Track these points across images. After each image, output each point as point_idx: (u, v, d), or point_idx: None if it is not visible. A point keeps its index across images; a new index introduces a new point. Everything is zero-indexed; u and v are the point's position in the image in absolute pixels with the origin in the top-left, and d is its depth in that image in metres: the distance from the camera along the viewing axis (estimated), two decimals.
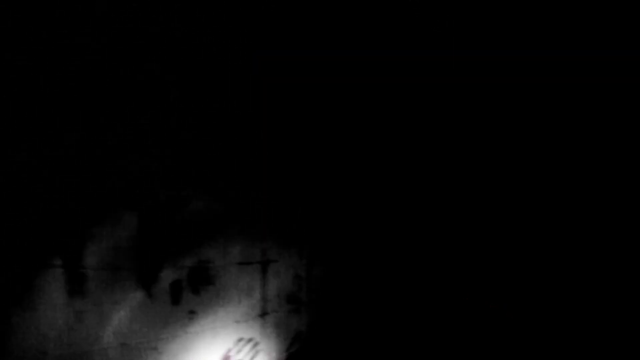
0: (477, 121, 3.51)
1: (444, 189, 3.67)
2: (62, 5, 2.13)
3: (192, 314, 2.49)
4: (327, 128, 3.77)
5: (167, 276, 2.36)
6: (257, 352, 2.95)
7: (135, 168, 2.31)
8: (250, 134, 3.00)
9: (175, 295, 2.40)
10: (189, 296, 2.48)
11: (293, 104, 3.42)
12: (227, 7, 2.88)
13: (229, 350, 2.71)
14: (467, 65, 3.47)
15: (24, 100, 1.96)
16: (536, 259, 3.30)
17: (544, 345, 3.24)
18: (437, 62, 3.61)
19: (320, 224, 3.63)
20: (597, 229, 3.07)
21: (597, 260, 3.07)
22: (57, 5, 2.11)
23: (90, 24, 2.24)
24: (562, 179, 3.22)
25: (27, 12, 1.98)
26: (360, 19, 3.51)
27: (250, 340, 2.89)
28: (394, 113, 3.83)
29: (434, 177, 3.71)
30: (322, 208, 3.66)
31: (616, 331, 2.98)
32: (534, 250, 3.31)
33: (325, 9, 3.39)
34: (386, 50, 3.64)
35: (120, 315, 2.13)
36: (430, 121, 3.71)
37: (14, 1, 1.96)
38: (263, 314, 3.02)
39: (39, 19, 2.03)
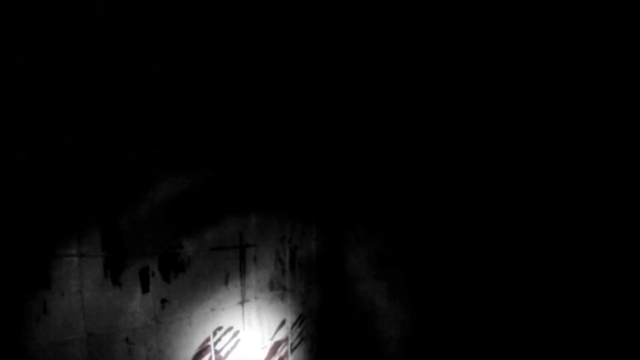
0: (473, 122, 3.50)
1: (437, 187, 3.70)
2: (62, 5, 2.19)
3: (164, 303, 2.51)
4: (324, 126, 3.83)
5: (136, 263, 2.38)
6: (238, 341, 3.03)
7: (134, 167, 2.40)
8: (249, 132, 3.07)
9: (145, 283, 2.43)
10: (160, 284, 2.50)
11: (293, 103, 3.46)
12: (227, 7, 2.91)
13: (207, 340, 2.78)
14: (467, 65, 3.44)
15: (24, 100, 2.06)
16: (537, 259, 3.33)
17: (544, 346, 3.30)
18: (438, 62, 3.58)
19: (305, 206, 3.71)
20: (598, 228, 3.09)
21: (598, 261, 3.09)
22: (57, 5, 2.18)
23: (90, 24, 2.32)
24: (562, 178, 3.22)
25: (27, 12, 2.05)
26: (360, 19, 3.48)
27: (229, 329, 2.95)
28: (394, 113, 3.83)
29: (427, 175, 3.73)
30: (311, 194, 3.74)
31: (617, 331, 3.03)
32: (535, 249, 3.34)
33: (325, 9, 3.38)
34: (386, 50, 3.61)
35: (87, 305, 2.18)
36: (428, 122, 3.70)
37: (14, 1, 2.04)
38: (243, 301, 3.06)
39: (39, 19, 2.10)
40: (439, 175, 3.68)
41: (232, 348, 2.97)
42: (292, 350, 3.62)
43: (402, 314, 3.89)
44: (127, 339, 2.32)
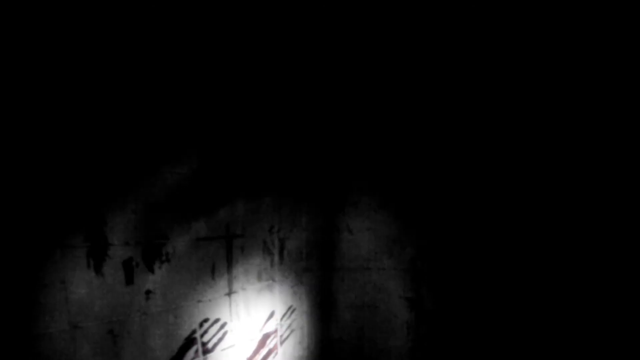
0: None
1: (432, 179, 3.68)
2: (62, 5, 2.14)
3: (149, 294, 2.46)
4: (318, 119, 3.79)
5: (119, 254, 2.32)
6: (225, 333, 2.97)
7: (116, 157, 2.33)
8: (235, 116, 3.01)
9: (129, 274, 2.37)
10: (144, 275, 2.44)
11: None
12: None
13: (194, 332, 2.72)
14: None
15: (24, 99, 2.00)
16: (540, 258, 3.31)
17: (546, 346, 3.29)
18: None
19: (295, 196, 3.67)
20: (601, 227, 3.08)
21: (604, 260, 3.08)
22: (57, 5, 2.12)
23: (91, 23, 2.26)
24: (563, 177, 3.22)
25: (26, 11, 2.00)
26: None
27: (216, 320, 2.90)
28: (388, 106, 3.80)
29: (424, 167, 3.71)
30: (301, 184, 3.69)
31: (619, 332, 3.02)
32: (538, 248, 3.33)
33: None
34: None
35: (72, 296, 2.12)
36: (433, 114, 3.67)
37: (13, 1, 1.97)
38: (230, 293, 3.01)
39: (39, 19, 2.04)
40: (435, 167, 3.66)
41: (220, 340, 2.92)
42: (281, 342, 3.58)
43: (395, 307, 3.88)
44: (111, 331, 2.26)
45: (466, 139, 3.49)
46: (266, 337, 3.39)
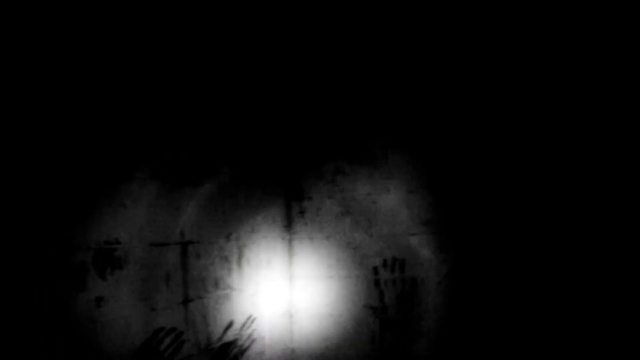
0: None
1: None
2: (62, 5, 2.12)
3: (99, 301, 2.37)
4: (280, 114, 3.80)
5: (71, 259, 2.23)
6: (181, 343, 2.91)
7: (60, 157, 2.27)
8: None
9: (80, 281, 2.27)
10: (95, 282, 2.35)
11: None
12: None
13: (147, 342, 2.64)
14: None
15: (24, 99, 1.96)
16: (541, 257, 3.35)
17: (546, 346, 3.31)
18: None
19: (253, 201, 3.64)
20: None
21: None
22: (57, 5, 2.10)
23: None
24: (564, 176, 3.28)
25: (26, 11, 1.97)
26: None
27: (172, 330, 2.83)
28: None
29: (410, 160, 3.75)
30: (260, 187, 3.68)
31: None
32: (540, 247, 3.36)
33: None
34: None
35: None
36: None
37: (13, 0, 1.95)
38: (186, 301, 2.95)
39: (39, 18, 2.02)
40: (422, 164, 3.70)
41: (176, 350, 2.85)
42: (241, 353, 3.52)
43: (359, 316, 3.89)
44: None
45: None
46: (225, 347, 3.33)
